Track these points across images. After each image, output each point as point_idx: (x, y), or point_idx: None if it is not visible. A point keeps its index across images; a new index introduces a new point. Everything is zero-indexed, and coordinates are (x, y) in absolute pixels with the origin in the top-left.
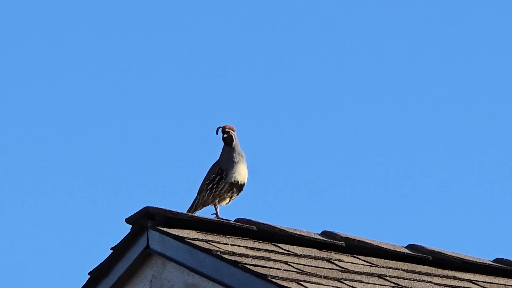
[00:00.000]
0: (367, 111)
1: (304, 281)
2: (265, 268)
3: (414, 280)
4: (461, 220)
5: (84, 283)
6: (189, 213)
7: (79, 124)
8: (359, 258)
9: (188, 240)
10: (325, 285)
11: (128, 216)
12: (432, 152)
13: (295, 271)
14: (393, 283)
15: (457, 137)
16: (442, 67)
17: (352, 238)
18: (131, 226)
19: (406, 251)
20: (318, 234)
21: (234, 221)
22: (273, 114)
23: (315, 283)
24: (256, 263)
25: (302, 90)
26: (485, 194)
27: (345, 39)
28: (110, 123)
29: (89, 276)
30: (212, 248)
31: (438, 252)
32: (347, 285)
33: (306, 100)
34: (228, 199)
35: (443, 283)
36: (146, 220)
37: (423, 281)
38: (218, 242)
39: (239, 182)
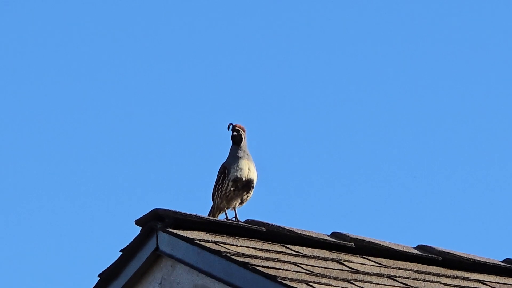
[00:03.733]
0: (376, 113)
1: (314, 282)
2: (274, 270)
3: (423, 280)
4: (470, 221)
5: (94, 285)
6: (198, 215)
7: (89, 127)
8: (368, 259)
9: (198, 242)
10: (335, 286)
11: (137, 218)
12: (442, 153)
13: (305, 272)
14: (403, 283)
15: (466, 138)
16: (463, 68)
17: (362, 239)
18: (140, 228)
19: (416, 251)
20: (327, 235)
21: (244, 222)
22: (283, 116)
23: (324, 284)
24: (266, 265)
25: (310, 92)
26: (494, 194)
27: (355, 43)
28: (120, 125)
29: (99, 278)
30: (222, 249)
31: (447, 252)
32: (357, 286)
33: (316, 102)
34: (238, 199)
35: (453, 283)
36: (156, 221)
37: (432, 281)
38: (228, 244)
39: (243, 178)
